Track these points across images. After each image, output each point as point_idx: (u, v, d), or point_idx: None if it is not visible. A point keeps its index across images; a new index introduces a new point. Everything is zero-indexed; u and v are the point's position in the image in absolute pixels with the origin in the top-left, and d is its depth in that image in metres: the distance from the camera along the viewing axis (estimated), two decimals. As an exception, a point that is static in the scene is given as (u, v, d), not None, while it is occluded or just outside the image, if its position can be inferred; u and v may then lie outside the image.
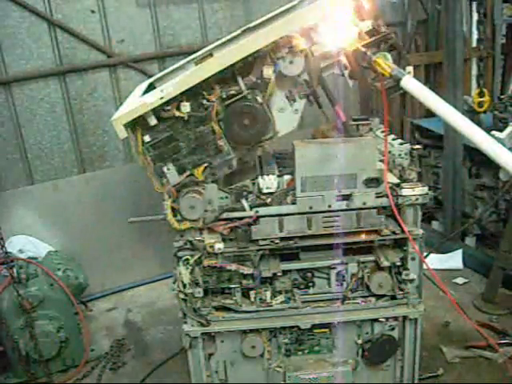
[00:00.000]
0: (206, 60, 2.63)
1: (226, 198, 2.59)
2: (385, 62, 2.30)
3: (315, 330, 2.82)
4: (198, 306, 2.69)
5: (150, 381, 3.58)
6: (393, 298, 2.75)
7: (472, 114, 4.72)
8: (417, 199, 2.53)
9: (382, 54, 2.39)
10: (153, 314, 4.41)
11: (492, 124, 4.60)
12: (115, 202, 4.60)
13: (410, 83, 2.23)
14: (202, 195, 2.51)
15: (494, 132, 4.41)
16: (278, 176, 2.61)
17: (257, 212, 2.54)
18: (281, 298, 2.72)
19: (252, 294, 2.71)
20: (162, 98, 2.33)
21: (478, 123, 4.67)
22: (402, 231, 2.60)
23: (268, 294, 2.69)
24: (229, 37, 2.82)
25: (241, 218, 2.55)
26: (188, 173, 2.49)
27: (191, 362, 2.83)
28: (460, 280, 4.44)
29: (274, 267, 2.65)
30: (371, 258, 2.72)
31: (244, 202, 2.55)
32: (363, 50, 2.38)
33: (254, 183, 2.62)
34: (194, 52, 3.05)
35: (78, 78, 4.46)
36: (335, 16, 2.39)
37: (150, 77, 3.74)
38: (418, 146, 2.74)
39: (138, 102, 2.44)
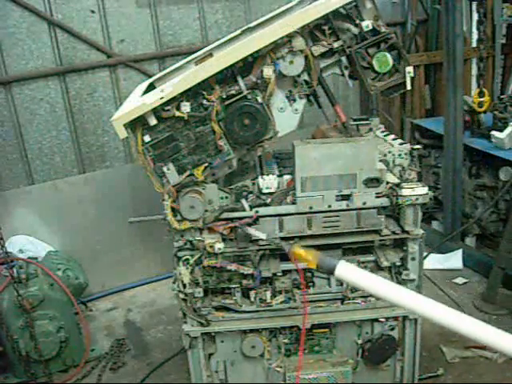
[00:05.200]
0: (206, 60, 2.63)
1: (226, 198, 2.59)
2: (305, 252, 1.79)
3: (315, 330, 2.81)
4: (198, 305, 2.69)
5: (150, 381, 3.58)
6: (393, 297, 2.75)
7: (472, 114, 4.74)
8: (417, 199, 2.53)
9: (381, 54, 2.40)
10: (153, 314, 4.41)
11: (492, 124, 4.59)
12: (115, 202, 4.60)
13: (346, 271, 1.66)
14: (202, 195, 2.51)
15: (493, 132, 4.42)
16: (278, 176, 2.61)
17: (257, 212, 2.54)
18: (281, 298, 2.72)
19: (252, 293, 2.71)
20: (161, 98, 2.33)
21: (478, 123, 4.69)
22: (403, 231, 2.60)
23: (268, 294, 2.69)
24: (229, 37, 2.82)
25: (241, 218, 2.55)
26: (188, 173, 2.49)
27: (191, 362, 2.83)
28: (460, 280, 4.44)
29: (273, 267, 2.65)
30: (371, 257, 2.72)
31: (244, 202, 2.55)
32: None
33: (253, 183, 2.62)
34: (194, 52, 3.05)
35: (78, 78, 4.46)
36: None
37: (150, 77, 3.74)
38: (417, 146, 2.73)
39: (138, 102, 2.44)
